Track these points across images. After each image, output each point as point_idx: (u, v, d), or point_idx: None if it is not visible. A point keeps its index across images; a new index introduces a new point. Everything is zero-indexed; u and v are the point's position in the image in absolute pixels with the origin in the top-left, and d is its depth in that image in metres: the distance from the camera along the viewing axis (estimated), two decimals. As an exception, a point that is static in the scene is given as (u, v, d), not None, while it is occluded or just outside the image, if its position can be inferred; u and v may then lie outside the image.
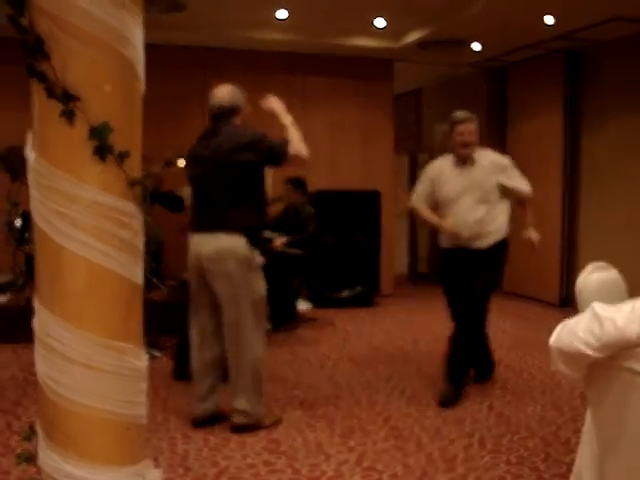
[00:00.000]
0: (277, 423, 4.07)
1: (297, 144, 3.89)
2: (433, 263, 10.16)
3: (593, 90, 7.70)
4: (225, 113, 4.00)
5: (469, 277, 4.64)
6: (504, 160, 4.78)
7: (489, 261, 4.70)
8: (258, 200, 4.03)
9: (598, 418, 2.29)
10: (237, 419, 3.95)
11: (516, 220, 4.91)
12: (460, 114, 4.72)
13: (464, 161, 4.66)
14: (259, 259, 4.01)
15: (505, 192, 4.71)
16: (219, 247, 3.88)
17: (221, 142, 3.94)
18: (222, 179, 3.91)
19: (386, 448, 3.73)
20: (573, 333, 2.10)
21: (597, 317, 2.04)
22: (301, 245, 6.57)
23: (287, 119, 4.01)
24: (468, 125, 4.64)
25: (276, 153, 3.89)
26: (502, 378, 5.07)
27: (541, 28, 6.99)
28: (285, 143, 3.89)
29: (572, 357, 2.11)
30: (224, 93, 4.06)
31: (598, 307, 2.06)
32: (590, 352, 2.03)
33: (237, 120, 4.03)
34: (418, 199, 4.82)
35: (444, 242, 4.82)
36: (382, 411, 4.33)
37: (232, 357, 3.98)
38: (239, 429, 3.93)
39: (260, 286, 4.03)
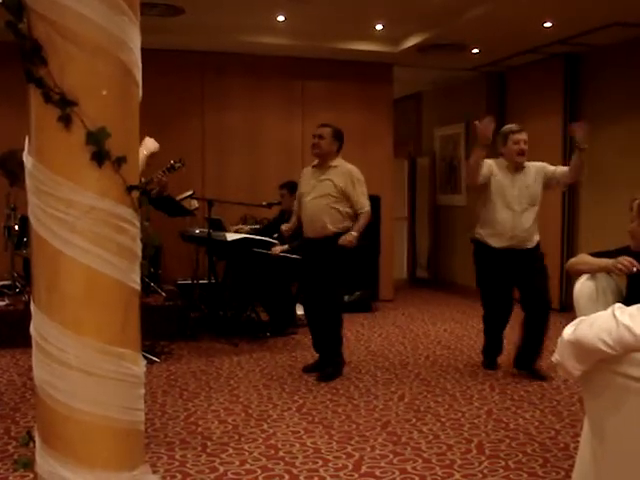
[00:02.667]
0: None
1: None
2: (433, 268, 10.16)
3: (592, 94, 7.70)
4: None
5: (522, 276, 5.24)
6: (540, 163, 5.34)
7: (539, 259, 5.34)
8: None
9: (595, 422, 2.30)
10: None
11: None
12: (515, 125, 5.33)
13: (517, 168, 5.18)
14: None
15: (553, 180, 5.31)
16: None
17: None
18: None
19: (384, 454, 3.72)
20: (591, 328, 2.13)
21: (614, 317, 2.10)
22: (300, 250, 6.55)
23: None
24: (524, 134, 5.16)
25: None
26: (501, 383, 5.06)
27: (540, 33, 7.00)
28: None
29: (586, 351, 2.13)
30: None
31: (617, 307, 2.10)
32: (605, 348, 2.07)
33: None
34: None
35: (494, 242, 5.23)
36: (380, 417, 4.32)
37: None
38: None
39: None
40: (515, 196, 5.16)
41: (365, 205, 5.16)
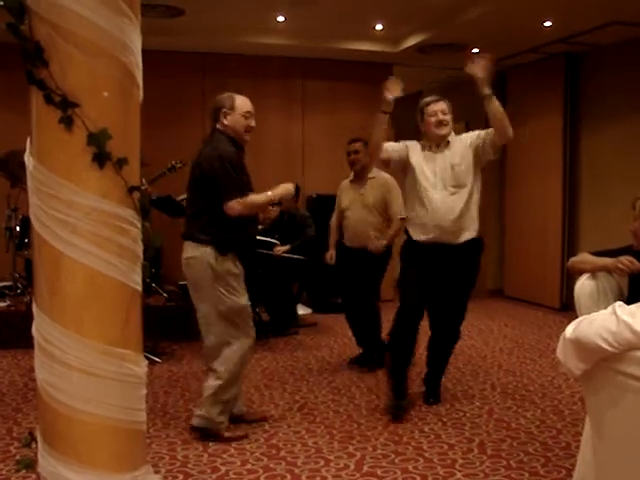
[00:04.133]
0: (238, 439, 3.92)
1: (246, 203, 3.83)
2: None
3: (592, 93, 7.71)
4: (213, 115, 3.98)
5: (444, 277, 4.33)
6: (469, 133, 4.46)
7: (468, 264, 4.42)
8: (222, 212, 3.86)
9: (595, 420, 2.31)
10: (195, 421, 3.94)
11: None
12: (430, 97, 4.48)
13: (439, 145, 4.34)
14: (231, 269, 3.88)
15: (484, 145, 4.29)
16: (186, 256, 3.89)
17: (200, 151, 3.98)
18: (191, 189, 4.00)
19: (386, 453, 3.72)
20: (592, 326, 2.14)
21: (615, 315, 2.10)
22: (301, 250, 6.56)
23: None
24: (440, 104, 4.39)
25: (223, 194, 3.81)
26: (502, 383, 5.06)
27: (540, 32, 7.00)
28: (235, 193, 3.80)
29: (587, 349, 2.14)
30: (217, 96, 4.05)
31: (618, 306, 2.11)
32: (605, 346, 2.07)
33: (225, 120, 3.92)
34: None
35: (416, 233, 4.37)
36: (382, 416, 4.33)
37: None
38: (195, 429, 3.95)
39: (237, 295, 3.90)
40: (437, 178, 4.28)
41: (397, 212, 5.31)
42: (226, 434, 3.92)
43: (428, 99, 4.43)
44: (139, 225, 2.26)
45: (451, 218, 4.24)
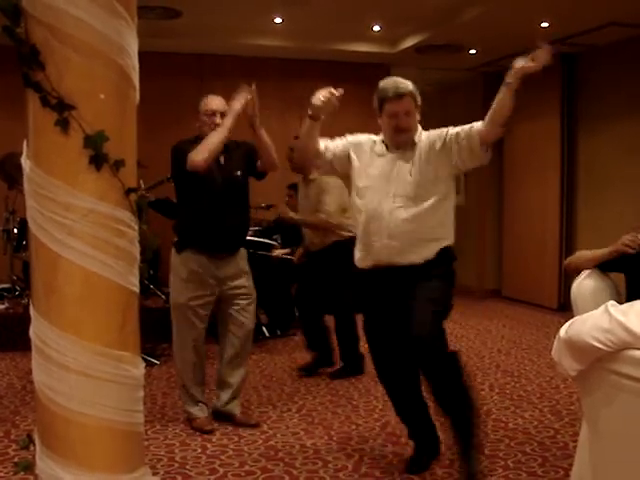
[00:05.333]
0: (205, 432, 4.04)
1: (200, 148, 3.86)
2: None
3: (589, 94, 7.72)
4: None
5: (401, 309, 3.28)
6: (438, 131, 3.42)
7: (430, 281, 3.30)
8: (189, 210, 4.07)
9: (590, 419, 2.31)
10: None
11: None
12: (391, 84, 3.41)
13: (399, 147, 3.41)
14: (177, 268, 4.08)
15: (459, 147, 3.30)
16: None
17: None
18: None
19: (384, 454, 3.72)
20: (584, 326, 2.14)
21: (608, 314, 2.10)
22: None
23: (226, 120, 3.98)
24: (405, 102, 3.35)
25: (182, 163, 3.90)
26: (500, 383, 5.07)
27: (537, 33, 7.01)
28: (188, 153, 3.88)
29: (580, 349, 2.14)
30: None
31: (610, 305, 2.11)
32: (598, 345, 2.08)
33: (197, 122, 4.13)
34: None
35: (367, 260, 3.41)
36: (380, 417, 4.33)
37: None
38: None
39: (175, 293, 4.11)
40: (392, 186, 3.33)
41: (323, 212, 5.23)
42: (194, 424, 4.13)
43: (389, 92, 3.37)
44: (136, 227, 2.26)
45: (408, 235, 3.27)
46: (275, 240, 6.54)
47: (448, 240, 3.38)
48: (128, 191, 2.20)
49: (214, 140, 3.87)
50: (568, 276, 7.70)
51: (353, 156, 3.53)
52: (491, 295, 8.97)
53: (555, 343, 2.26)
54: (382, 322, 3.40)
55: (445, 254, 3.36)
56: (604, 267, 3.28)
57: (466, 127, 3.33)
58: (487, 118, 3.29)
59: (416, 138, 3.41)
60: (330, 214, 5.17)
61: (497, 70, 8.75)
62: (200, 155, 3.80)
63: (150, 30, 6.34)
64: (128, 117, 2.24)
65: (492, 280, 9.13)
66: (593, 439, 2.30)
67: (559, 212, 7.98)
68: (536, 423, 4.18)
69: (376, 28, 7.32)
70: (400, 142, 3.38)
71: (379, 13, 6.84)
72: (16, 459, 3.39)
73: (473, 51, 7.85)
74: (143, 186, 5.77)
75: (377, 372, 3.56)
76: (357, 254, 3.45)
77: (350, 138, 3.61)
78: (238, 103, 3.98)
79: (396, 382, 3.51)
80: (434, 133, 3.41)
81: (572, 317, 2.35)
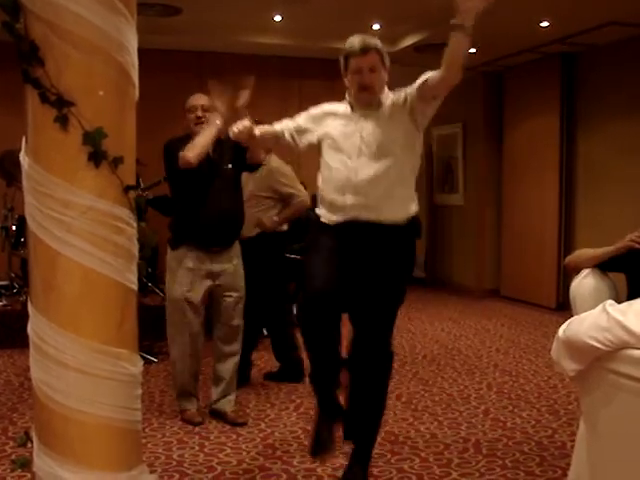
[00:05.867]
0: (194, 424, 4.16)
1: (191, 146, 3.95)
2: (430, 268, 10.16)
3: (589, 93, 7.72)
4: None
5: (364, 266, 3.19)
6: (404, 89, 3.35)
7: (395, 246, 3.22)
8: (183, 206, 4.19)
9: (589, 418, 2.31)
10: None
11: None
12: (357, 39, 3.27)
13: (365, 105, 3.30)
14: (171, 264, 4.19)
15: (424, 95, 3.25)
16: None
17: None
18: None
19: (382, 453, 3.72)
20: (582, 325, 2.14)
21: (606, 313, 2.10)
22: (298, 250, 6.55)
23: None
24: (370, 56, 3.25)
25: (174, 161, 4.02)
26: (498, 382, 5.07)
27: (537, 33, 7.01)
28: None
29: (578, 348, 2.14)
30: None
31: (609, 304, 2.11)
32: (596, 344, 2.07)
33: (185, 121, 4.23)
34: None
35: (332, 214, 3.29)
36: (378, 415, 4.33)
37: None
38: None
39: (169, 288, 4.22)
40: (360, 144, 3.23)
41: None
42: (184, 416, 4.23)
43: (354, 46, 3.24)
44: (135, 224, 2.26)
45: (374, 191, 3.18)
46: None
47: (414, 204, 3.31)
48: (127, 188, 2.20)
49: (203, 139, 3.97)
50: (567, 276, 7.71)
51: (314, 126, 3.43)
52: (490, 294, 8.97)
53: (554, 343, 2.26)
54: (330, 267, 3.18)
55: (412, 227, 3.28)
56: (605, 267, 3.28)
57: (423, 77, 3.29)
58: (443, 64, 3.26)
59: (382, 98, 3.30)
60: (304, 193, 5.08)
61: (497, 69, 8.78)
62: (191, 152, 3.91)
63: (149, 27, 6.34)
64: (127, 114, 2.23)
65: (491, 279, 9.12)
66: (592, 439, 2.30)
67: (558, 212, 7.98)
68: (534, 422, 4.19)
69: (376, 27, 7.31)
70: (364, 101, 3.27)
71: (379, 12, 6.83)
72: (13, 456, 3.39)
73: (473, 50, 7.83)
74: (142, 185, 5.77)
75: (303, 319, 3.33)
76: (321, 211, 3.35)
77: (312, 111, 3.48)
78: (222, 105, 4.09)
79: (322, 332, 3.23)
80: (397, 92, 3.33)
81: (571, 317, 2.35)
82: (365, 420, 3.29)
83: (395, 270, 3.22)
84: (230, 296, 4.21)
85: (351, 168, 3.21)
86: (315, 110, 3.47)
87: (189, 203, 4.12)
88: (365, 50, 3.21)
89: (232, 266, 4.20)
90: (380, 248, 3.19)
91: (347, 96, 3.37)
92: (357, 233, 3.20)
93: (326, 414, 3.26)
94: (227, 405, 4.25)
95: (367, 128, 3.25)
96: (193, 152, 3.90)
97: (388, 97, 3.31)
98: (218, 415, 4.24)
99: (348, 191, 3.20)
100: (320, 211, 3.36)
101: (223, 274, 4.16)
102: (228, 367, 4.26)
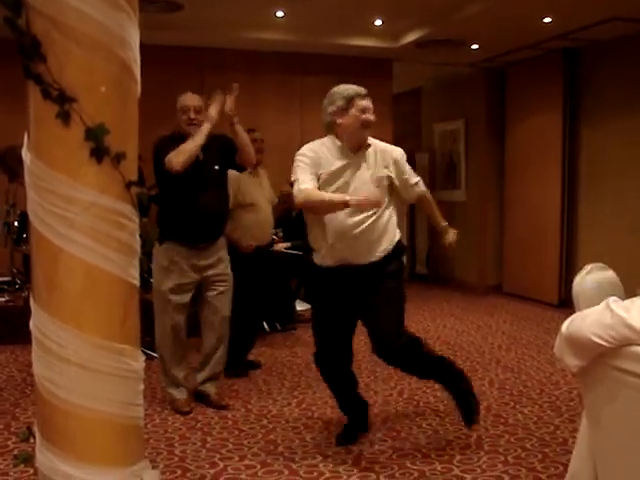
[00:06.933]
0: (183, 413, 4.29)
1: (178, 152, 4.07)
2: (432, 264, 10.16)
3: (592, 89, 7.70)
4: None
5: (361, 305, 3.64)
6: (387, 148, 3.72)
7: (387, 277, 3.62)
8: (169, 203, 4.31)
9: (591, 415, 2.31)
10: None
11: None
12: (354, 86, 3.67)
13: (356, 149, 3.60)
14: (158, 258, 4.25)
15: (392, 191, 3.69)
16: None
17: None
18: None
19: (383, 449, 3.73)
20: (585, 322, 2.13)
21: (609, 310, 2.08)
22: (301, 246, 6.55)
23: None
24: (369, 100, 3.61)
25: (161, 161, 4.13)
26: (500, 379, 5.07)
27: (540, 28, 6.99)
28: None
29: (581, 345, 2.13)
30: None
31: (612, 301, 2.10)
32: (599, 341, 2.06)
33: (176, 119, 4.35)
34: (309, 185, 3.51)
35: (324, 259, 3.61)
36: (380, 412, 4.33)
37: None
38: None
39: (156, 280, 4.30)
40: (351, 189, 3.52)
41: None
42: (173, 405, 4.36)
43: (358, 89, 3.62)
44: (137, 220, 2.26)
45: (364, 239, 3.52)
46: (276, 234, 6.52)
47: (399, 232, 3.73)
48: (129, 184, 2.19)
49: (191, 146, 4.09)
50: (569, 272, 7.71)
51: (316, 170, 3.59)
52: (492, 291, 8.97)
53: (557, 340, 2.25)
54: (336, 313, 3.66)
55: (398, 248, 3.71)
56: None
57: (413, 180, 3.78)
58: (418, 202, 4.08)
59: (370, 141, 3.65)
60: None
61: (499, 65, 8.76)
62: (177, 158, 4.04)
63: (151, 23, 6.32)
64: (129, 110, 2.23)
65: (493, 276, 9.13)
66: (595, 435, 2.29)
67: (560, 208, 7.97)
68: (536, 419, 4.19)
69: (378, 23, 7.30)
70: (363, 139, 3.59)
71: (381, 7, 6.82)
72: (16, 451, 3.40)
73: (475, 46, 7.83)
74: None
75: (317, 358, 3.80)
76: (317, 255, 3.65)
77: (310, 160, 3.61)
78: (214, 110, 4.18)
79: (334, 367, 3.82)
80: (387, 153, 3.67)
81: (573, 313, 2.35)
82: (447, 381, 3.90)
83: (389, 281, 3.64)
84: (217, 288, 4.37)
85: (348, 214, 3.48)
86: (310, 154, 3.64)
87: (176, 201, 4.25)
88: (367, 94, 3.64)
89: (218, 258, 4.36)
90: (373, 276, 3.58)
91: (334, 139, 3.65)
92: (353, 274, 3.58)
93: (353, 420, 3.92)
94: (211, 388, 4.44)
95: (363, 175, 3.57)
96: (180, 159, 4.03)
97: (374, 144, 3.66)
98: (202, 398, 4.44)
99: (339, 239, 3.52)
100: (316, 255, 3.66)
101: (210, 267, 4.31)
102: (218, 356, 4.45)
